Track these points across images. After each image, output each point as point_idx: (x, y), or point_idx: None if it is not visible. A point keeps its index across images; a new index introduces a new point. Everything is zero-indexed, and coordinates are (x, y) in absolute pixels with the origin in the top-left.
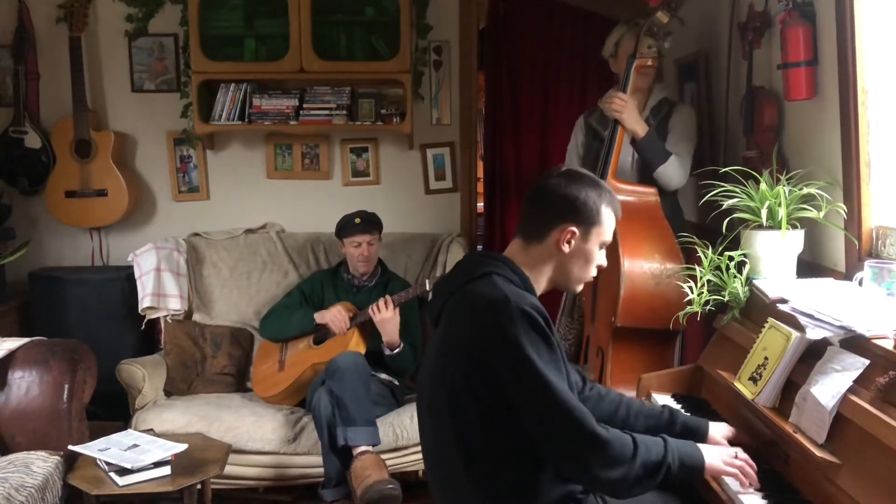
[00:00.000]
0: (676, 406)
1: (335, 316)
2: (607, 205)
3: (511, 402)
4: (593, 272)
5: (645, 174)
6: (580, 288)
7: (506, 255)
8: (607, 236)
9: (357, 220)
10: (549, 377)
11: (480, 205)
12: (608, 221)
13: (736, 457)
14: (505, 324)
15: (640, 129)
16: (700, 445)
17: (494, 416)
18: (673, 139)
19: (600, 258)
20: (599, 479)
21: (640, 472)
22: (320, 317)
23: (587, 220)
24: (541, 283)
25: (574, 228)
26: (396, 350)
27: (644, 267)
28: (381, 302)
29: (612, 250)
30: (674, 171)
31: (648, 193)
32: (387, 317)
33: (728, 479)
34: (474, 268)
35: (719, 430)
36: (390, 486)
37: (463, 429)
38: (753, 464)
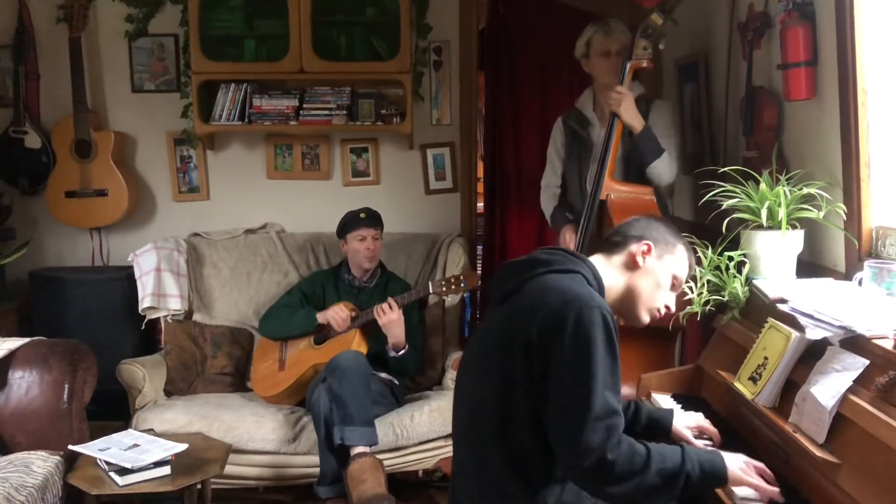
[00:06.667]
0: (676, 406)
1: (336, 313)
2: (685, 248)
3: (548, 388)
4: (660, 305)
5: (630, 169)
6: (646, 319)
7: (591, 261)
8: (679, 271)
9: (362, 215)
10: (597, 383)
11: (480, 205)
12: (681, 258)
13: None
14: (585, 318)
15: (638, 123)
16: (721, 453)
17: (537, 398)
18: (658, 135)
19: (669, 296)
20: (605, 493)
21: (656, 480)
22: (321, 316)
23: (663, 244)
24: (609, 300)
25: (651, 244)
26: (402, 352)
27: None
28: (384, 305)
29: None
30: (666, 167)
31: (646, 193)
32: (393, 318)
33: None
34: (563, 262)
35: (684, 419)
36: (386, 502)
37: (506, 399)
38: (770, 473)
